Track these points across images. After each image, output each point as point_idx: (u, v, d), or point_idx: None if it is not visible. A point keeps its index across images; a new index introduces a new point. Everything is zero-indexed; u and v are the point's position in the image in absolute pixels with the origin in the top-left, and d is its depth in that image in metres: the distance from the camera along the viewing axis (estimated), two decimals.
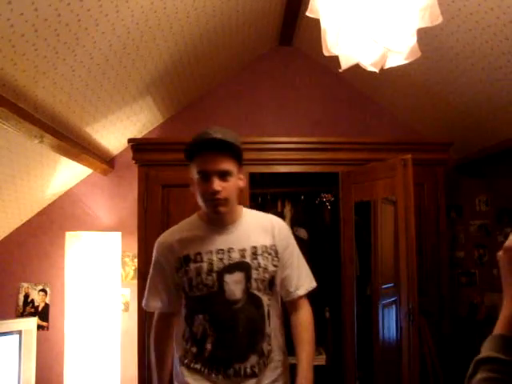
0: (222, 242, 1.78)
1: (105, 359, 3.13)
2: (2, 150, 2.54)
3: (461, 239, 3.74)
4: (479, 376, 0.74)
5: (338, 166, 3.11)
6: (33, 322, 3.17)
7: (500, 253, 0.84)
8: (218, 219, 1.79)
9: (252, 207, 2.87)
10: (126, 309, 3.45)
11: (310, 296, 1.97)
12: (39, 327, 3.35)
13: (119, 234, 3.38)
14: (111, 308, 3.20)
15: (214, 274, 1.73)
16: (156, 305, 1.88)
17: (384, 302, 3.00)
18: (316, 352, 3.45)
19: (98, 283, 3.15)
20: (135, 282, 3.07)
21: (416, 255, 2.57)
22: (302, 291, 1.89)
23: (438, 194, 3.08)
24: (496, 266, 3.60)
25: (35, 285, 3.48)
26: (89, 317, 3.11)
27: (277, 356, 1.85)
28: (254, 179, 3.06)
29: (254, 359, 1.76)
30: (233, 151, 1.72)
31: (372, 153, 3.05)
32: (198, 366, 1.77)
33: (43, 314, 3.46)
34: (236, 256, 1.75)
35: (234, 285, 1.73)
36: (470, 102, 3.06)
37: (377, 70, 1.60)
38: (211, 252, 1.76)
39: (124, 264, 3.47)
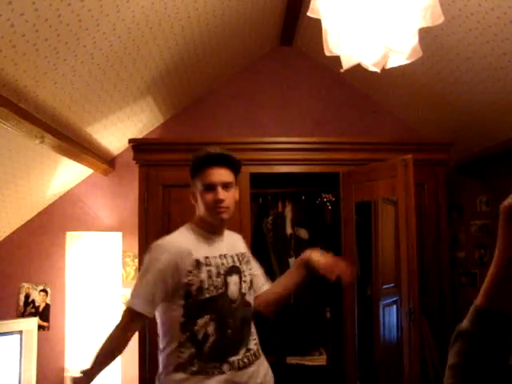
0: (220, 248, 1.97)
1: None
2: (2, 150, 2.54)
3: (461, 239, 3.73)
4: (454, 349, 0.78)
5: (338, 166, 3.11)
6: (33, 322, 3.16)
7: (503, 204, 0.84)
8: (214, 228, 1.97)
9: (253, 207, 2.90)
10: None
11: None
12: (40, 327, 3.35)
13: (120, 234, 3.38)
14: (112, 308, 3.19)
15: (222, 276, 1.90)
16: (146, 308, 1.84)
17: (385, 301, 3.00)
18: (316, 352, 3.46)
19: (99, 283, 3.15)
20: None
21: (417, 255, 2.57)
22: (266, 286, 2.11)
23: (439, 194, 3.08)
24: None
25: (36, 285, 3.48)
26: (89, 317, 3.11)
27: (261, 351, 2.03)
28: (255, 179, 3.06)
29: (242, 353, 1.92)
30: (233, 166, 1.94)
31: (373, 153, 3.05)
32: (195, 369, 1.83)
33: (44, 314, 3.46)
34: (230, 261, 1.96)
35: (234, 286, 1.93)
36: (471, 102, 3.05)
37: (378, 70, 1.60)
38: (216, 257, 1.93)
39: (125, 264, 3.47)
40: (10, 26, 1.74)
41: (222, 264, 1.91)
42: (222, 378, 1.84)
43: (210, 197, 1.88)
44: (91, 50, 2.22)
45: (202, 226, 1.97)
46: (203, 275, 1.86)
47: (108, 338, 1.86)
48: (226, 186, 1.90)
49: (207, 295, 1.85)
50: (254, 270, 2.09)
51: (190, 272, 1.85)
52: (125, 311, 1.89)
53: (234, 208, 1.97)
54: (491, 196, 3.72)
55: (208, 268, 1.88)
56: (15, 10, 1.68)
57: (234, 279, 1.92)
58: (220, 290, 1.87)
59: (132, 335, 1.89)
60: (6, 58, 1.88)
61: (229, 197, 1.90)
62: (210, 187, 1.88)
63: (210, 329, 1.85)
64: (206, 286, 1.85)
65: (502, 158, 3.28)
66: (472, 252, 3.71)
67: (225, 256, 1.94)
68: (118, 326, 1.87)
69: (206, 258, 1.89)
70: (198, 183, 1.92)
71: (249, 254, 2.10)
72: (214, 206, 1.88)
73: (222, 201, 1.87)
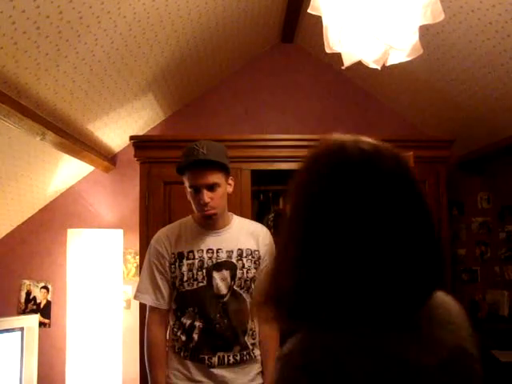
0: (211, 242, 2.01)
1: (106, 356, 3.14)
2: (3, 147, 2.55)
3: (462, 236, 3.73)
4: None
5: None
6: (35, 319, 3.17)
7: None
8: (209, 223, 2.02)
9: (254, 204, 2.90)
10: (128, 306, 3.45)
11: None
12: (41, 324, 3.36)
13: (121, 231, 3.38)
14: (113, 305, 3.20)
15: (204, 270, 1.96)
16: (153, 300, 2.04)
17: None
18: None
19: (100, 280, 3.16)
20: (137, 279, 3.06)
21: None
22: None
23: (440, 192, 3.08)
24: (497, 264, 3.59)
25: (37, 282, 3.49)
26: (91, 314, 3.11)
27: (258, 351, 2.07)
28: (256, 177, 3.06)
29: (237, 350, 1.97)
30: (218, 165, 1.92)
31: None
32: (186, 354, 1.97)
33: (45, 311, 3.47)
34: (223, 256, 1.99)
35: (221, 281, 1.97)
36: (472, 99, 3.05)
37: (379, 67, 1.60)
38: (202, 251, 1.99)
39: (126, 261, 3.47)
40: (11, 23, 1.74)
41: (209, 258, 1.97)
42: (210, 370, 1.94)
43: (196, 199, 1.94)
44: (92, 47, 2.22)
45: (197, 221, 2.05)
46: (184, 268, 1.96)
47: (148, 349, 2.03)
48: (211, 187, 1.92)
49: (188, 288, 1.96)
50: (262, 272, 2.03)
51: (173, 264, 1.98)
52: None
53: (225, 205, 2.01)
54: (492, 193, 3.72)
55: (190, 261, 1.97)
56: (16, 7, 1.68)
57: (221, 274, 1.97)
58: (201, 284, 1.95)
59: (159, 329, 2.03)
60: (7, 55, 1.89)
61: (215, 197, 1.93)
62: (196, 189, 1.92)
63: (197, 322, 1.95)
64: (186, 278, 1.96)
65: (503, 155, 3.28)
66: (473, 249, 3.71)
67: (216, 251, 1.99)
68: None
69: (190, 251, 1.98)
70: (186, 182, 1.97)
71: (261, 254, 2.06)
72: (201, 208, 1.95)
73: (207, 203, 1.92)
